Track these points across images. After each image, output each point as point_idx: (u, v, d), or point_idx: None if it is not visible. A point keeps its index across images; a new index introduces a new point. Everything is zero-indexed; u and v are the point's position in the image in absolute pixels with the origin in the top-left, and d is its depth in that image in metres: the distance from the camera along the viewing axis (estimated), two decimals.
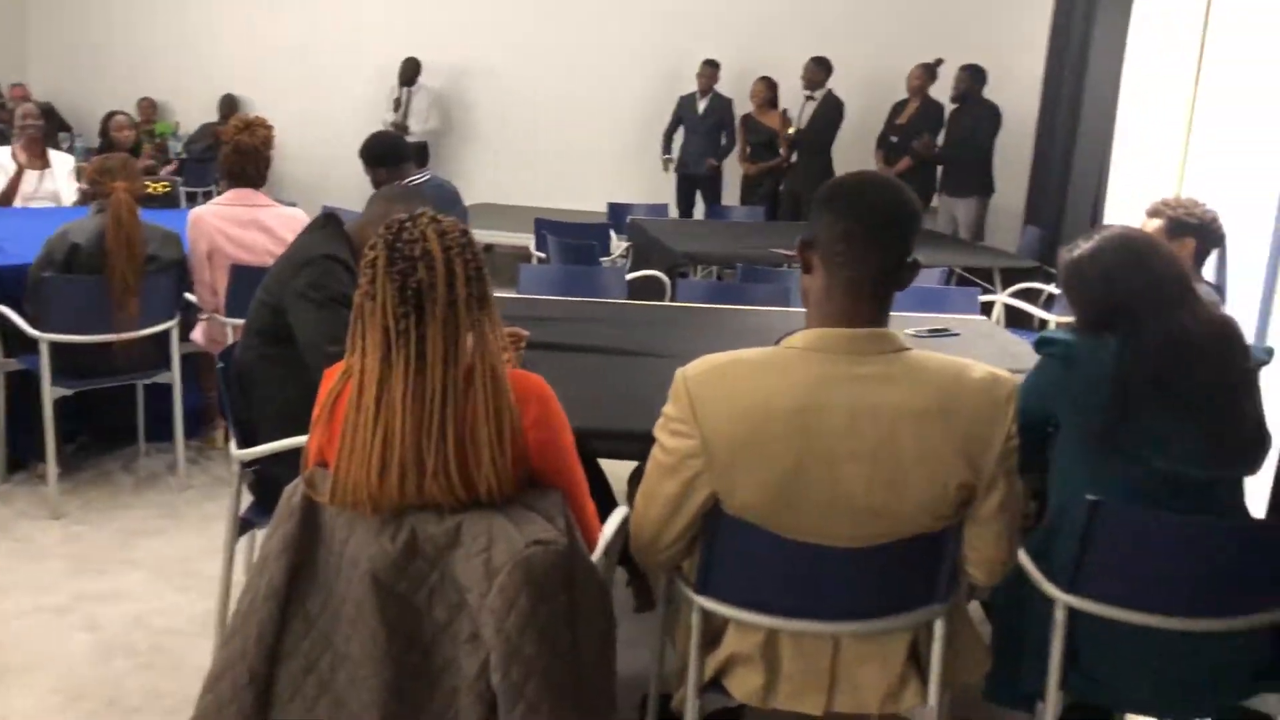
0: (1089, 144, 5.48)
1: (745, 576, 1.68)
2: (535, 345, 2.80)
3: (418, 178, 4.10)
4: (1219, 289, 3.08)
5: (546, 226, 5.46)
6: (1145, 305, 1.91)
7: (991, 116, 6.91)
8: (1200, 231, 2.93)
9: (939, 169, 7.21)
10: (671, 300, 4.02)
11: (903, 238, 1.60)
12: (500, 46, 9.00)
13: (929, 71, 7.26)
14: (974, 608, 2.18)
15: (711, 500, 1.63)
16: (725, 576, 1.70)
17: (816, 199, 1.64)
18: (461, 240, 1.59)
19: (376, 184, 4.00)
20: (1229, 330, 1.93)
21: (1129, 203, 4.38)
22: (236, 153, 3.67)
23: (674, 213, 8.01)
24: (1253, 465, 1.92)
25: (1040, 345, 1.99)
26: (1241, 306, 3.23)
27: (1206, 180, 3.74)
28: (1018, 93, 7.16)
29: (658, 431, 1.66)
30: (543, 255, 5.31)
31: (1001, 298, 4.61)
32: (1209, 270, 3.08)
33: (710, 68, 7.88)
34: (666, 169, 7.84)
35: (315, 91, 9.32)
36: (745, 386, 1.58)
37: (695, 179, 8.01)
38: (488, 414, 1.54)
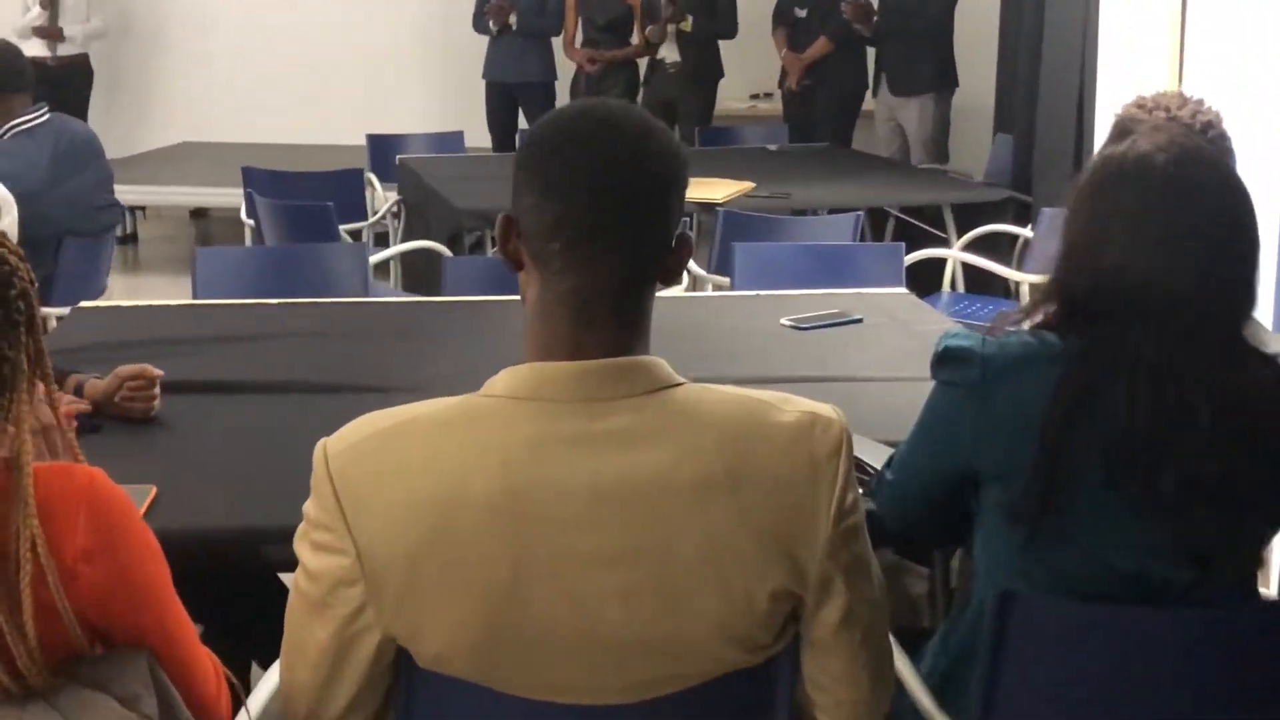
0: (1063, 6, 5.49)
1: None
2: (185, 387, 2.69)
3: (32, 117, 3.94)
4: None
5: (256, 180, 5.35)
6: (1156, 330, 1.79)
7: None
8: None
9: (872, 54, 7.24)
10: (439, 292, 3.92)
11: (658, 213, 1.57)
12: None
13: None
14: None
15: (390, 649, 1.57)
16: None
17: (517, 154, 1.60)
18: None
19: None
20: (1270, 405, 1.83)
21: (1121, 97, 4.42)
22: None
23: (486, 143, 7.94)
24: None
25: (938, 364, 1.93)
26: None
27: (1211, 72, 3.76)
28: None
29: (297, 544, 1.60)
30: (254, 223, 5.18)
31: (954, 253, 4.64)
32: None
33: None
34: (501, 32, 7.74)
35: None
36: (421, 463, 1.52)
37: (515, 90, 7.96)
38: None
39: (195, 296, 3.77)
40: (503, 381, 1.55)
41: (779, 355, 3.00)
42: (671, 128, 7.56)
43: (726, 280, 4.17)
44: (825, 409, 1.60)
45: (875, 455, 2.22)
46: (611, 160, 1.55)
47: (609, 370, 1.54)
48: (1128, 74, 4.42)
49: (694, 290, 4.71)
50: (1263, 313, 3.07)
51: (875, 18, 7.03)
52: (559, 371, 1.54)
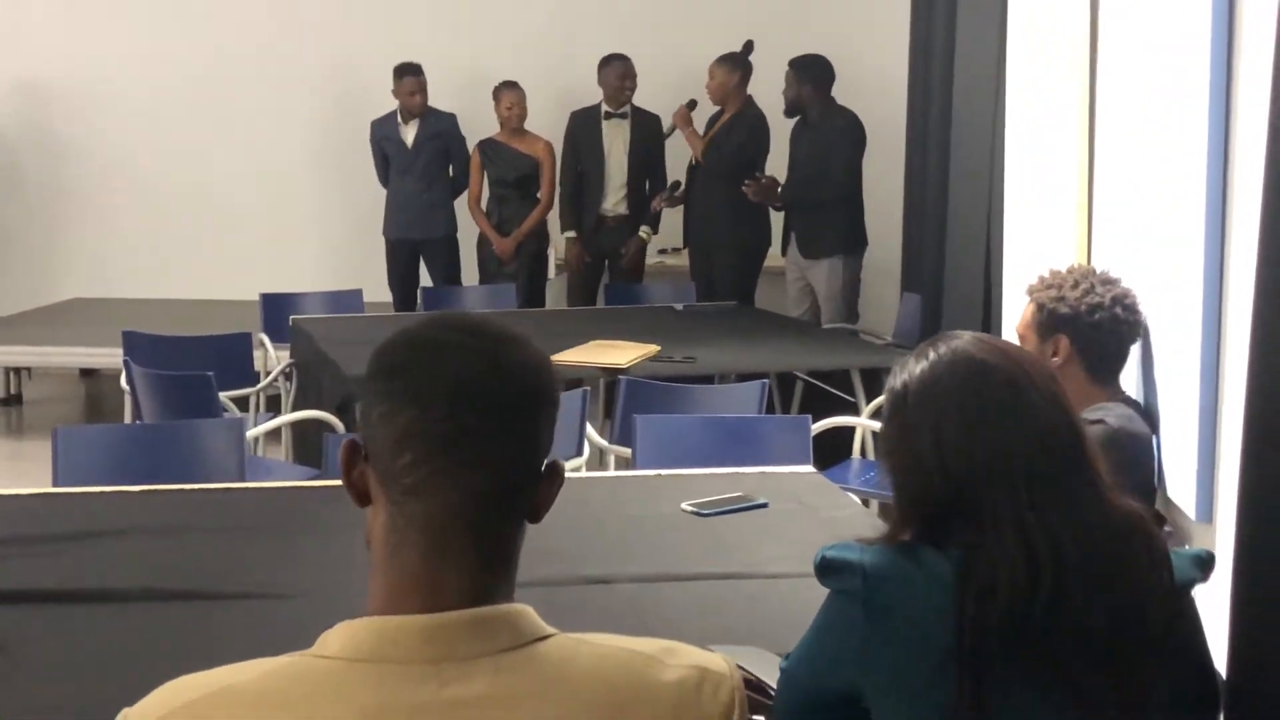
0: (968, 164, 5.43)
1: None
2: (21, 597, 2.47)
3: None
4: (1145, 409, 2.98)
5: (135, 345, 5.21)
6: (1009, 490, 1.76)
7: (849, 132, 6.95)
8: (1073, 325, 2.90)
9: (775, 215, 7.22)
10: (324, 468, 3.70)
11: (523, 426, 1.41)
12: (104, 59, 8.57)
13: (736, 64, 7.16)
14: None
15: None
16: None
17: (367, 369, 1.43)
18: None
19: None
20: (1138, 531, 1.79)
21: (1030, 255, 4.31)
22: None
23: (385, 298, 7.84)
24: None
25: (822, 572, 1.82)
26: (1178, 434, 3.03)
27: (1126, 220, 3.64)
28: (874, 101, 7.22)
29: None
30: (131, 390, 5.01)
31: (863, 421, 4.51)
32: (1130, 379, 2.99)
33: (410, 77, 7.73)
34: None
35: None
36: None
37: (418, 247, 7.87)
38: None
39: (55, 481, 3.52)
40: (338, 639, 1.35)
41: (680, 547, 2.83)
42: (588, 291, 7.64)
43: (628, 452, 3.99)
44: (715, 662, 1.43)
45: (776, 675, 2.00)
46: (473, 365, 1.39)
47: (465, 624, 1.35)
48: (1036, 235, 4.32)
49: (596, 462, 4.54)
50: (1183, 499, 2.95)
51: (780, 188, 7.01)
52: (405, 627, 1.34)
